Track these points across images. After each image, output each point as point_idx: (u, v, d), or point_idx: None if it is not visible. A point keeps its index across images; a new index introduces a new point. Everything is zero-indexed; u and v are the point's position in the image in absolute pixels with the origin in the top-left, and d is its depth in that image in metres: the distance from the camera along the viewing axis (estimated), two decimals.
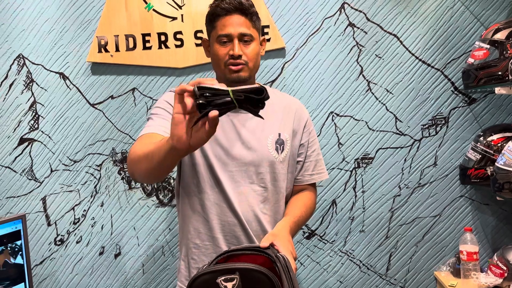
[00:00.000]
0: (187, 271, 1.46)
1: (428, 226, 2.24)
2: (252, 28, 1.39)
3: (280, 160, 1.43)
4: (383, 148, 2.24)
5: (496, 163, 1.86)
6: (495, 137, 2.01)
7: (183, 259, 1.49)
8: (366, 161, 2.24)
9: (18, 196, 2.29)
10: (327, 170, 2.20)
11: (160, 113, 1.37)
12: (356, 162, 2.25)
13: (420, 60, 2.20)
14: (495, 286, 1.95)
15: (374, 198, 2.25)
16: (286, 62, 2.23)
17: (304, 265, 2.28)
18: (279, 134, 1.43)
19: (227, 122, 1.40)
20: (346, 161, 2.25)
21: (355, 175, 2.25)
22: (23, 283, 1.37)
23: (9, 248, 1.32)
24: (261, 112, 1.45)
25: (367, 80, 2.22)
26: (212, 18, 1.40)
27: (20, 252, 1.35)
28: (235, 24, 1.36)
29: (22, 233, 1.37)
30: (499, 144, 1.98)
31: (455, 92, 2.19)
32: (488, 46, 1.89)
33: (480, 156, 2.01)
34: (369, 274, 2.27)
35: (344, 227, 2.27)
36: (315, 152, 1.55)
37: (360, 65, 2.22)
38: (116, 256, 2.31)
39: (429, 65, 2.20)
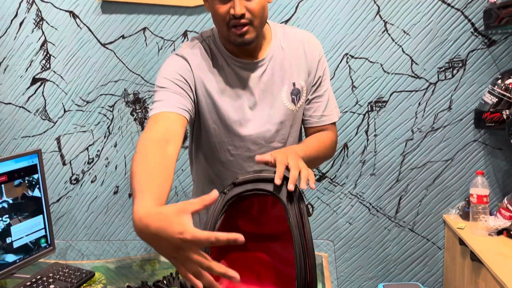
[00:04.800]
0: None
1: (439, 170, 2.25)
2: None
3: (297, 110, 1.34)
4: (398, 92, 2.20)
5: None
6: None
7: None
8: (380, 104, 2.22)
9: (33, 136, 2.32)
10: (340, 113, 2.17)
11: (169, 86, 1.20)
12: (369, 106, 2.23)
13: None
14: (503, 228, 1.97)
15: (386, 142, 2.25)
16: (300, 1, 2.17)
17: (314, 207, 2.31)
18: (294, 84, 1.31)
19: (237, 80, 1.28)
20: (359, 104, 2.23)
21: (368, 119, 2.24)
22: (41, 215, 1.41)
23: (26, 181, 1.35)
24: (271, 63, 1.36)
25: (383, 21, 2.16)
26: None
27: (38, 186, 1.39)
28: None
29: (38, 167, 1.39)
30: None
31: (475, 33, 2.13)
32: None
33: (497, 99, 1.98)
34: (378, 216, 2.30)
35: (355, 170, 2.28)
36: (326, 91, 1.39)
37: (377, 5, 2.15)
38: (130, 195, 2.36)
39: (449, 4, 2.12)
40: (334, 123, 1.41)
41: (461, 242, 2.02)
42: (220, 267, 0.77)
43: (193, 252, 0.76)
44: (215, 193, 0.80)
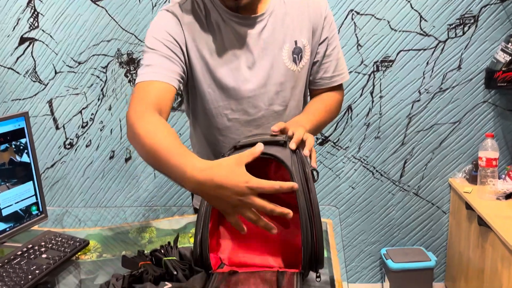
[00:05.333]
0: None
1: (446, 133, 2.17)
2: None
3: (299, 70, 1.23)
4: (405, 50, 2.10)
5: None
6: None
7: None
8: (386, 64, 2.12)
9: (23, 99, 2.23)
10: None
11: (158, 48, 1.13)
12: (375, 65, 2.12)
13: None
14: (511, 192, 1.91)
15: (392, 104, 2.16)
16: None
17: (318, 172, 2.25)
18: (295, 42, 1.20)
19: (233, 38, 1.18)
20: (364, 64, 2.13)
21: (373, 79, 2.14)
22: (31, 182, 1.33)
23: (13, 146, 1.27)
24: (272, 18, 1.22)
25: None
26: None
27: (26, 151, 1.30)
28: None
29: (26, 131, 1.31)
30: None
31: None
32: None
33: (510, 57, 1.88)
34: (382, 181, 2.24)
35: (359, 134, 2.20)
36: (335, 49, 1.29)
37: None
38: (126, 160, 2.29)
39: None
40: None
41: (468, 207, 1.97)
42: (280, 207, 0.83)
43: (257, 198, 0.81)
44: (260, 146, 0.85)
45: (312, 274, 0.95)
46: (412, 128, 2.18)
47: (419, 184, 2.23)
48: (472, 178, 2.09)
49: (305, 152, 0.98)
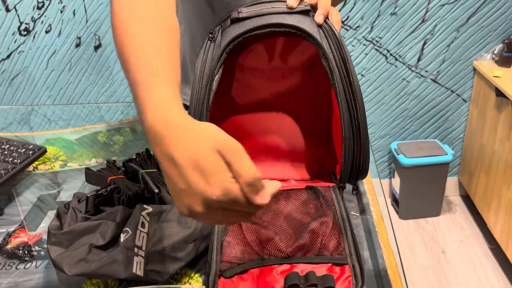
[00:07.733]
0: None
1: (475, 7, 1.83)
2: None
3: None
4: None
5: None
6: None
7: None
8: None
9: None
10: None
11: None
12: None
13: None
14: None
15: None
16: None
17: None
18: None
19: None
20: None
21: None
22: None
23: None
24: None
25: None
26: None
27: None
28: None
29: None
30: None
31: None
32: None
33: None
34: (397, 66, 1.94)
35: (372, 9, 1.85)
36: None
37: None
38: (96, 48, 1.93)
39: None
40: None
41: (499, 93, 1.70)
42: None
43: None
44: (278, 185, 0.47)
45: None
46: (435, 1, 1.83)
47: (438, 68, 1.94)
48: (503, 60, 1.80)
49: (318, 19, 0.67)
